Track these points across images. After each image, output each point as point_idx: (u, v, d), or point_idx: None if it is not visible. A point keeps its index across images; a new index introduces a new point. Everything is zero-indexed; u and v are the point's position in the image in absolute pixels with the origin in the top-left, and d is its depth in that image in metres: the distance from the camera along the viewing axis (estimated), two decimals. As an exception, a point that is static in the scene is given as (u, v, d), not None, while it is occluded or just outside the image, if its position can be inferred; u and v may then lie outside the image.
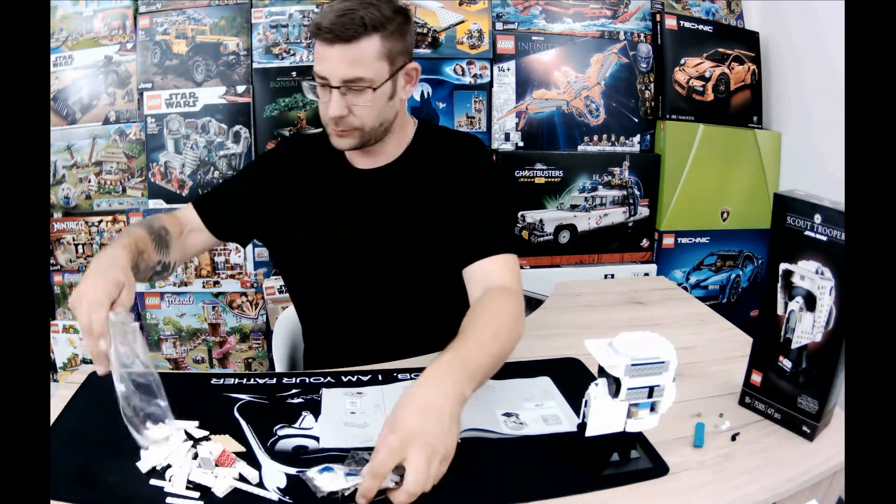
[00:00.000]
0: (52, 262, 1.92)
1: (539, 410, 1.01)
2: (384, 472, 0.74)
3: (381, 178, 1.21)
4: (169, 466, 0.83)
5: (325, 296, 1.27)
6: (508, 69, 1.90)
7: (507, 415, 0.99)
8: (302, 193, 1.24)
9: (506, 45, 1.90)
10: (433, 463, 0.74)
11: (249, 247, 1.86)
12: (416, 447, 0.73)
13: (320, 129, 1.23)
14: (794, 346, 0.96)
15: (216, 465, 0.82)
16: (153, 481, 0.80)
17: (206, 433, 0.90)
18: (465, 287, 1.18)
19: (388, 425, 0.76)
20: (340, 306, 1.25)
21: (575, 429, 0.93)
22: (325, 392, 1.04)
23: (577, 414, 0.96)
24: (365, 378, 1.09)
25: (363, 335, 1.24)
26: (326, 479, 0.79)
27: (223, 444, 0.88)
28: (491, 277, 1.10)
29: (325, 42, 1.06)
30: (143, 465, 0.83)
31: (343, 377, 1.09)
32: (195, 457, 0.84)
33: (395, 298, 1.22)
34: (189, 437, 0.88)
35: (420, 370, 1.10)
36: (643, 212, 2.01)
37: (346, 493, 0.78)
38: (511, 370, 1.12)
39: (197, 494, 0.79)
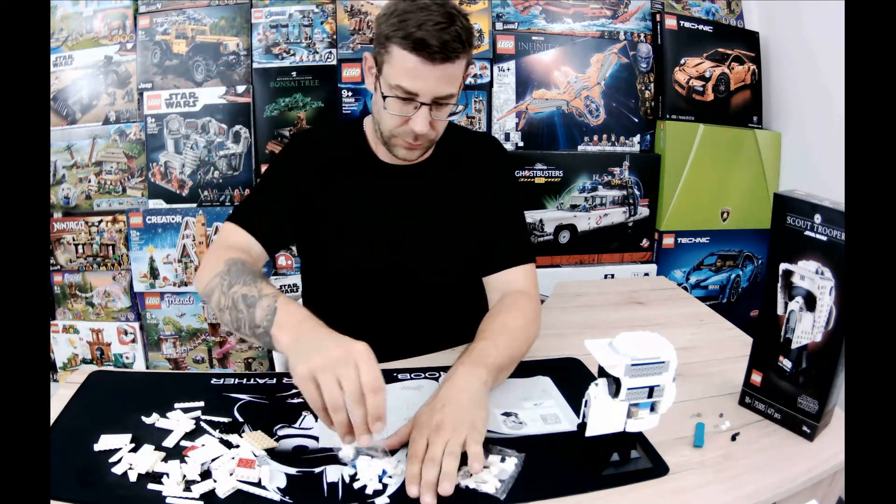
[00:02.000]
0: (52, 262, 1.92)
1: (538, 410, 1.01)
2: (416, 473, 0.81)
3: (410, 177, 1.21)
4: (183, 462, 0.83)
5: (346, 292, 1.26)
6: (508, 69, 1.90)
7: (507, 414, 0.99)
8: (332, 189, 1.21)
9: (506, 45, 1.90)
10: (451, 444, 0.82)
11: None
12: (432, 437, 0.83)
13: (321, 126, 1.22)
14: (794, 346, 0.96)
15: (238, 467, 0.82)
16: (151, 484, 0.81)
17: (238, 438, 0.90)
18: (479, 288, 1.20)
19: (414, 425, 0.87)
20: (360, 303, 1.24)
21: (574, 428, 0.93)
22: (325, 392, 1.04)
23: (577, 414, 0.96)
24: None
25: (377, 333, 1.24)
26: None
27: (255, 441, 0.89)
28: (513, 284, 1.18)
29: (427, 59, 1.01)
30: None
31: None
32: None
33: (414, 296, 1.22)
34: (225, 443, 0.89)
35: (421, 370, 1.11)
36: (643, 212, 2.01)
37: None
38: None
39: (197, 495, 0.79)
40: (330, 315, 1.32)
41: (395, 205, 1.21)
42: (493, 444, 0.91)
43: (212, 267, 1.03)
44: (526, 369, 1.13)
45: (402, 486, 0.81)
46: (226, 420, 0.95)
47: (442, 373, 1.09)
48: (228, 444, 0.88)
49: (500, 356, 1.00)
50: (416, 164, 1.21)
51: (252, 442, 0.88)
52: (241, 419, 0.96)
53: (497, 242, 1.21)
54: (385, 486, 0.82)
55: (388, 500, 0.79)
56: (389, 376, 1.10)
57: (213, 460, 0.84)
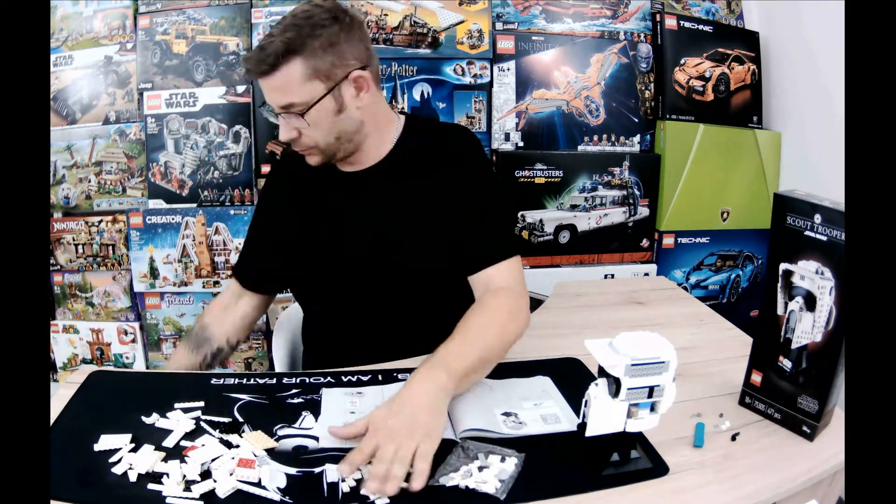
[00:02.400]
0: (52, 262, 1.92)
1: (538, 410, 1.01)
2: (357, 463, 0.83)
3: (364, 181, 1.21)
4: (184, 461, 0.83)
5: (320, 300, 1.28)
6: (508, 69, 1.90)
7: (507, 414, 0.99)
8: (300, 204, 1.26)
9: (506, 45, 1.90)
10: (402, 450, 0.82)
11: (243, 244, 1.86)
12: (383, 441, 0.83)
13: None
14: (794, 346, 0.96)
15: (237, 467, 0.82)
16: (151, 485, 0.81)
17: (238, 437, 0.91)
18: (466, 285, 1.19)
19: (369, 426, 0.87)
20: (336, 309, 1.25)
21: (574, 428, 0.93)
22: (324, 392, 1.04)
23: (577, 414, 0.96)
24: (365, 378, 1.09)
25: (359, 336, 1.24)
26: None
27: (255, 441, 0.89)
28: (493, 281, 1.13)
29: (255, 75, 1.08)
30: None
31: (343, 377, 1.09)
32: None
33: (387, 298, 1.21)
34: (225, 443, 0.89)
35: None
36: (643, 212, 2.01)
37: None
38: (511, 370, 1.12)
39: (197, 495, 0.79)
40: (314, 319, 1.32)
41: (353, 209, 1.21)
42: (494, 443, 0.91)
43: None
44: (526, 369, 1.13)
45: (404, 490, 0.81)
46: (226, 420, 0.95)
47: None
48: (228, 444, 0.88)
49: (465, 360, 0.97)
50: (374, 167, 1.21)
51: (252, 442, 0.88)
52: (241, 419, 0.96)
53: (473, 241, 1.17)
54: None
55: (387, 501, 0.79)
56: (389, 376, 1.10)
57: (213, 460, 0.84)
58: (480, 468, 0.85)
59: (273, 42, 1.05)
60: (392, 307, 1.22)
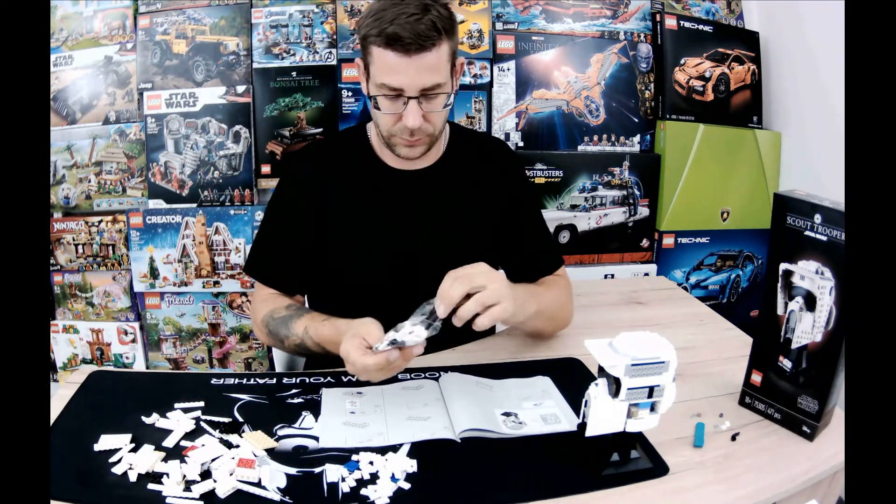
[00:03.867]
0: (52, 262, 1.92)
1: (538, 410, 1.01)
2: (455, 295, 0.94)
3: (422, 181, 1.21)
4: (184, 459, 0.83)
5: (353, 297, 1.24)
6: (508, 69, 1.90)
7: (507, 414, 0.99)
8: (343, 200, 1.21)
9: (506, 45, 1.90)
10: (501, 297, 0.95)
11: (249, 246, 1.86)
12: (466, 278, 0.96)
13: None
14: (794, 346, 0.96)
15: (238, 467, 0.82)
16: (151, 484, 0.81)
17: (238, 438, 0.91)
18: None
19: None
20: (366, 308, 1.24)
21: (574, 428, 0.93)
22: (324, 392, 1.04)
23: (577, 414, 0.96)
24: (361, 386, 1.09)
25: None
26: (410, 336, 0.94)
27: (255, 441, 0.89)
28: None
29: (402, 52, 1.02)
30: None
31: (343, 377, 1.09)
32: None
33: (409, 301, 1.21)
34: (225, 443, 0.88)
35: (421, 370, 1.11)
36: (643, 212, 2.01)
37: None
38: (511, 370, 1.12)
39: (197, 495, 0.79)
40: (350, 315, 1.31)
41: (407, 208, 1.21)
42: (493, 443, 0.91)
43: (258, 328, 1.22)
44: (526, 369, 1.13)
45: (404, 490, 0.81)
46: (226, 420, 0.95)
47: (442, 373, 1.09)
48: (228, 444, 0.88)
49: (540, 300, 1.14)
50: (425, 168, 1.21)
51: (252, 442, 0.88)
52: (241, 419, 0.96)
53: (529, 256, 1.29)
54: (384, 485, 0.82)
55: (387, 501, 0.80)
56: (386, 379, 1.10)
57: (213, 460, 0.84)
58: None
59: (425, 18, 1.01)
60: (405, 309, 1.21)
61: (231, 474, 0.82)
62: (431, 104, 1.08)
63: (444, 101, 1.09)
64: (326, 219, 1.21)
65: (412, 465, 0.86)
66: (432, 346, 1.18)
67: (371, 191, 1.21)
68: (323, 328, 1.08)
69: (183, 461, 0.84)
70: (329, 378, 1.09)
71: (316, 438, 0.92)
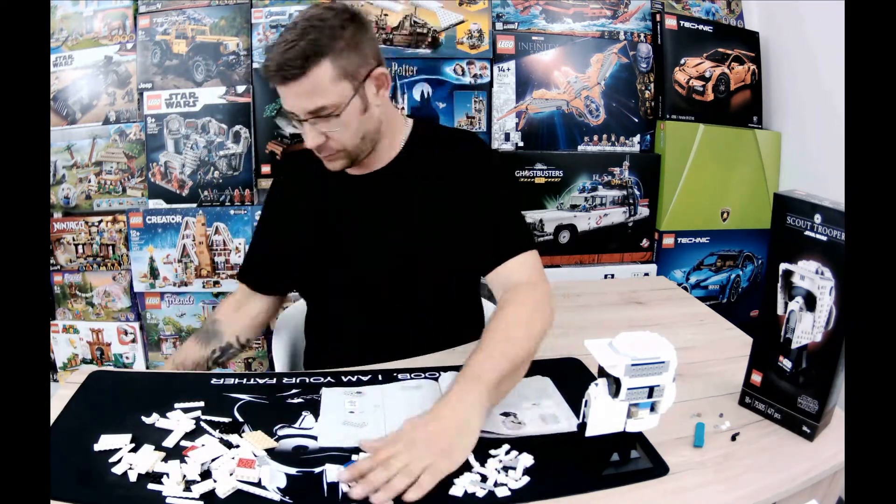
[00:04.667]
0: (52, 262, 1.92)
1: (537, 410, 1.01)
2: (363, 470, 0.82)
3: (376, 183, 1.21)
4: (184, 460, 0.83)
5: (328, 299, 1.27)
6: (508, 69, 1.90)
7: (506, 414, 0.99)
8: (310, 206, 1.25)
9: (506, 45, 1.90)
10: (413, 464, 0.81)
11: (249, 246, 1.86)
12: (399, 451, 0.83)
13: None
14: (794, 346, 0.96)
15: (238, 467, 0.82)
16: (151, 485, 0.80)
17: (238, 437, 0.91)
18: (474, 286, 1.20)
19: (398, 430, 0.88)
20: (344, 308, 1.25)
21: (573, 428, 0.93)
22: (324, 391, 1.04)
23: (577, 414, 0.96)
24: (365, 378, 1.09)
25: (364, 335, 1.24)
26: None
27: (255, 441, 0.89)
28: (512, 277, 1.13)
29: (277, 82, 1.05)
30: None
31: (343, 377, 1.09)
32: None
33: (397, 300, 1.21)
34: (225, 443, 0.89)
35: (421, 370, 1.11)
36: (643, 212, 2.01)
37: None
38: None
39: (197, 495, 0.79)
40: (320, 319, 1.32)
41: (366, 211, 1.21)
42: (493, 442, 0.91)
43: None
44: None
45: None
46: (226, 420, 0.95)
47: (442, 372, 1.09)
48: (228, 444, 0.88)
49: (497, 367, 0.94)
50: (384, 168, 1.21)
51: (252, 442, 0.88)
52: (241, 419, 0.96)
53: (488, 239, 1.17)
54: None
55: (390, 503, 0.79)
56: (389, 376, 1.10)
57: (213, 460, 0.84)
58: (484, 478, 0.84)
59: (296, 46, 1.02)
60: (400, 308, 1.22)
61: (231, 474, 0.81)
62: (327, 125, 1.08)
63: (341, 120, 1.08)
64: (295, 225, 1.26)
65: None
66: (432, 346, 1.19)
67: (334, 196, 1.23)
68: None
69: (183, 461, 0.84)
70: (329, 378, 1.09)
71: (316, 438, 0.92)
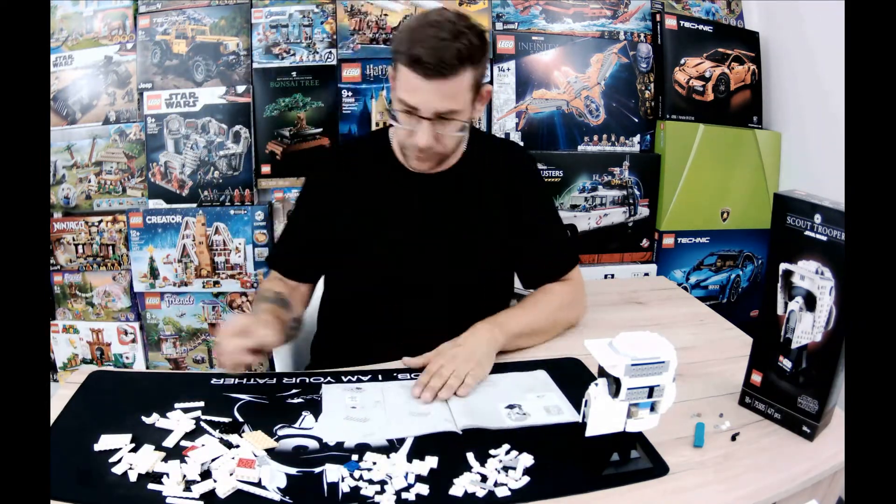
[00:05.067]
0: (52, 262, 1.92)
1: (541, 401, 1.02)
2: (424, 382, 1.03)
3: (440, 184, 1.23)
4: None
5: (362, 292, 1.26)
6: (508, 69, 1.90)
7: (510, 406, 1.00)
8: (360, 199, 1.24)
9: (506, 45, 1.90)
10: (459, 369, 1.05)
11: (249, 246, 1.86)
12: (446, 362, 1.06)
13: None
14: (794, 346, 0.96)
15: (238, 467, 0.82)
16: (151, 484, 0.81)
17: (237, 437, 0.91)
18: (501, 293, 1.31)
19: (436, 352, 1.10)
20: (375, 303, 1.25)
21: (576, 418, 0.94)
22: (325, 388, 1.05)
23: (578, 412, 0.96)
24: (365, 378, 1.09)
25: (387, 333, 1.23)
26: None
27: (255, 441, 0.89)
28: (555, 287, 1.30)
29: (422, 75, 1.04)
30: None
31: (343, 377, 1.09)
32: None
33: (440, 301, 1.22)
34: (225, 443, 0.89)
35: (420, 370, 1.11)
36: (643, 212, 2.01)
37: None
38: (511, 369, 1.13)
39: (197, 495, 0.79)
40: (355, 312, 1.31)
41: (422, 210, 1.23)
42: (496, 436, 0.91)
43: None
44: (526, 368, 1.13)
45: (404, 487, 0.81)
46: (226, 420, 0.95)
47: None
48: (228, 444, 0.88)
49: (519, 322, 1.19)
50: (449, 170, 1.23)
51: (252, 442, 0.88)
52: (241, 419, 0.96)
53: (541, 258, 1.29)
54: (385, 488, 0.82)
55: (388, 501, 0.80)
56: (389, 376, 1.10)
57: (212, 460, 0.84)
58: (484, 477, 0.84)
59: (451, 45, 1.03)
60: (434, 308, 1.22)
61: (231, 474, 0.82)
62: (445, 128, 1.10)
63: (459, 126, 1.11)
64: (343, 216, 1.24)
65: (415, 470, 0.86)
66: (431, 347, 1.18)
67: (388, 191, 1.24)
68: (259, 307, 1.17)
69: (183, 461, 0.84)
70: (329, 378, 1.09)
71: (316, 438, 0.92)
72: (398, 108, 1.10)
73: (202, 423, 0.93)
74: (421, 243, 1.22)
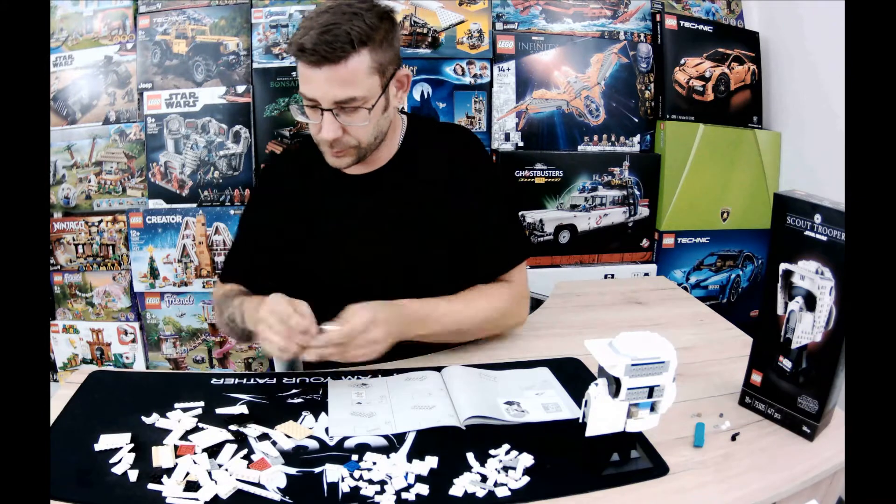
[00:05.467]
0: (52, 262, 1.92)
1: (540, 399, 1.02)
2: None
3: (376, 183, 1.20)
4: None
5: (319, 300, 1.26)
6: (508, 69, 1.90)
7: (509, 403, 1.00)
8: (305, 205, 1.22)
9: (506, 45, 1.90)
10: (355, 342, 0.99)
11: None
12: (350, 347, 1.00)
13: (297, 140, 1.21)
14: (794, 346, 0.96)
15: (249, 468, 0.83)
16: (151, 484, 0.80)
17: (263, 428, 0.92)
18: (465, 284, 1.21)
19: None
20: (339, 305, 1.25)
21: (575, 415, 0.94)
22: (330, 384, 1.06)
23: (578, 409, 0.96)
24: (365, 378, 1.09)
25: None
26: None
27: (289, 430, 0.91)
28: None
29: (310, 64, 1.00)
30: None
31: (343, 377, 1.09)
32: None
33: (393, 296, 1.21)
34: (238, 435, 0.90)
35: (420, 369, 1.11)
36: (643, 212, 2.01)
37: None
38: (511, 365, 1.13)
39: (197, 495, 0.79)
40: (328, 314, 1.31)
41: (366, 211, 1.20)
42: (497, 431, 0.91)
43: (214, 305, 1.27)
44: (527, 366, 1.14)
45: (404, 487, 0.82)
46: (234, 412, 0.96)
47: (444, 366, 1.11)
48: (238, 434, 0.89)
49: (431, 310, 1.11)
50: (384, 167, 1.20)
51: (288, 432, 0.90)
52: (247, 412, 0.97)
53: (488, 249, 1.20)
54: (385, 488, 0.82)
55: (393, 500, 0.80)
56: (389, 376, 1.10)
57: (217, 453, 0.84)
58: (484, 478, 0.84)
59: (338, 29, 0.97)
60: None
61: (231, 474, 0.82)
62: (350, 118, 1.04)
63: (365, 115, 1.05)
64: (289, 223, 1.22)
65: (415, 470, 0.86)
66: (431, 347, 1.19)
67: (327, 195, 1.21)
68: (252, 301, 1.10)
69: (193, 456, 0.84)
70: (329, 378, 1.09)
71: (316, 438, 0.92)
72: (304, 102, 1.06)
73: (202, 423, 0.93)
74: (361, 247, 1.19)
